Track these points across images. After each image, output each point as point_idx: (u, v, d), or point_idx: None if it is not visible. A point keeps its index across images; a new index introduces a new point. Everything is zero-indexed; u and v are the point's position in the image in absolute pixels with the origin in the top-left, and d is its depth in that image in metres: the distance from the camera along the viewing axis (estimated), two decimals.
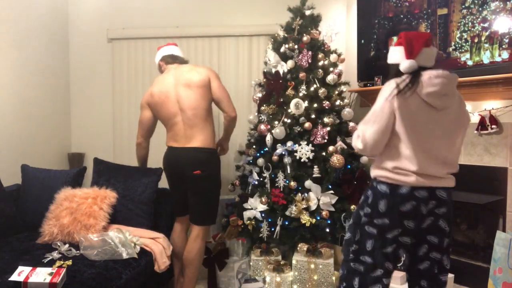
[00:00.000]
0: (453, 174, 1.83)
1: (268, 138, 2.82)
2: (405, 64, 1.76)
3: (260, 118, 3.01)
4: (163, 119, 2.60)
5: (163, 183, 2.77)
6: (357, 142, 1.86)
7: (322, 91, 2.85)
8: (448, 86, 1.73)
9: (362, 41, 3.35)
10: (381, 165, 1.81)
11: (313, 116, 2.84)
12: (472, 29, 2.68)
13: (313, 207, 2.72)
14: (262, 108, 2.93)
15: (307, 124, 2.82)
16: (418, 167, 1.72)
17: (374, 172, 1.86)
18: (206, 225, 2.61)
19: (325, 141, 2.79)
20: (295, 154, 2.81)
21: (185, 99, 2.49)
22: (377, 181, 1.83)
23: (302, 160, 2.80)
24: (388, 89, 1.76)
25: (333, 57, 2.97)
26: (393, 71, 1.83)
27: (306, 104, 2.84)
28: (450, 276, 2.56)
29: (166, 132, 2.63)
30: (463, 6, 2.72)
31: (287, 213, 2.74)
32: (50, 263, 2.09)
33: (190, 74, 2.53)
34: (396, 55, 1.83)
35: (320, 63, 2.93)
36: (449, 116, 1.76)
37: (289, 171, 2.81)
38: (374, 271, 1.85)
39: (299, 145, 2.82)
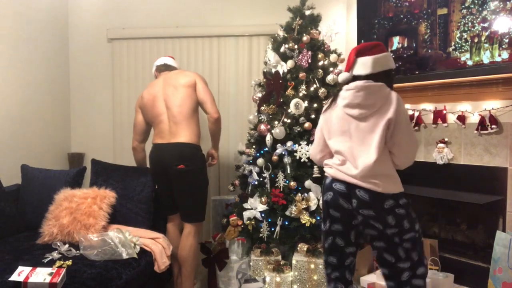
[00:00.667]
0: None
1: (268, 138, 2.82)
2: (340, 77, 1.98)
3: (260, 118, 3.01)
4: (151, 118, 2.68)
5: None
6: None
7: (322, 91, 2.84)
8: (360, 97, 1.81)
9: (362, 41, 3.34)
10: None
11: (313, 116, 2.84)
12: (472, 29, 2.68)
13: (313, 207, 2.73)
14: (262, 108, 2.93)
15: (307, 124, 2.82)
16: (338, 163, 1.90)
17: None
18: (196, 222, 2.63)
19: None
20: (295, 154, 2.82)
21: (171, 97, 2.59)
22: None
23: (302, 160, 2.80)
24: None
25: (333, 57, 2.97)
26: None
27: (306, 104, 2.84)
28: (450, 276, 2.56)
29: (153, 131, 2.70)
30: (463, 6, 2.72)
31: (287, 213, 2.74)
32: (50, 263, 2.08)
33: (178, 76, 2.67)
34: None
35: (320, 63, 2.93)
36: (367, 123, 1.83)
37: (289, 171, 2.81)
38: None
39: (299, 145, 2.82)
